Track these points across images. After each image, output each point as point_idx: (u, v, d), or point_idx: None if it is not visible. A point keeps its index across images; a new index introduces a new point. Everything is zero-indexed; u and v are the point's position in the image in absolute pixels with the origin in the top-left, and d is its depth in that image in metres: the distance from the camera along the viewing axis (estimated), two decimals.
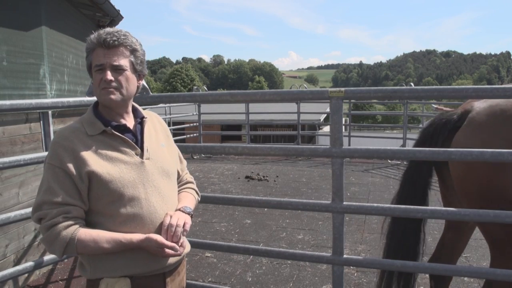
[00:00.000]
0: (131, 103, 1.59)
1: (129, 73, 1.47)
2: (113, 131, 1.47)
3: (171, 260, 1.52)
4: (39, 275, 3.47)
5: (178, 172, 1.72)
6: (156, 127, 1.65)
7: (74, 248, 1.35)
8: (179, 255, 1.46)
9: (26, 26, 3.50)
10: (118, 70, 1.44)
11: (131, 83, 1.49)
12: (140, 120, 1.58)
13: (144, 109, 1.70)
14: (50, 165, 1.40)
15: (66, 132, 1.45)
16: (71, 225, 1.37)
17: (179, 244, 1.46)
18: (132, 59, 1.48)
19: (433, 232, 4.28)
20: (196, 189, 1.80)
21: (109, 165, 1.43)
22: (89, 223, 1.44)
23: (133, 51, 1.49)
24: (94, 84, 1.47)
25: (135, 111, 1.60)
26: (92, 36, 1.46)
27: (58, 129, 1.49)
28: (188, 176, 1.80)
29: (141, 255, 1.43)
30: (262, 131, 18.72)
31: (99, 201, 1.42)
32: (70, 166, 1.38)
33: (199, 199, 1.83)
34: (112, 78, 1.43)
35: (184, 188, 1.73)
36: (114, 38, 1.43)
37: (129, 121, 1.55)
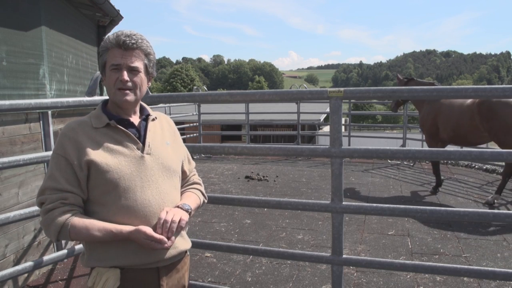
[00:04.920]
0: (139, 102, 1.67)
1: (143, 75, 1.56)
2: (116, 124, 1.54)
3: (166, 254, 1.54)
4: (38, 275, 3.47)
5: (185, 172, 1.78)
6: (164, 126, 1.71)
7: (67, 233, 1.42)
8: (168, 248, 1.48)
9: (26, 26, 3.50)
10: (133, 71, 1.52)
11: (144, 84, 1.58)
12: (145, 117, 1.64)
13: (159, 108, 1.74)
14: (55, 154, 1.50)
15: (73, 124, 1.54)
16: (67, 211, 1.44)
17: (171, 239, 1.47)
18: (146, 62, 1.57)
19: (432, 232, 4.28)
20: (203, 190, 1.83)
21: (109, 156, 1.49)
22: (87, 212, 1.51)
23: (148, 54, 1.57)
24: (108, 82, 1.53)
25: (142, 109, 1.67)
26: (110, 36, 1.52)
27: (64, 125, 1.57)
28: (195, 178, 1.85)
29: (132, 247, 1.47)
30: (262, 131, 18.73)
31: (96, 190, 1.48)
32: (72, 155, 1.46)
33: (206, 201, 1.86)
34: (128, 79, 1.51)
35: (189, 188, 1.77)
36: (133, 41, 1.51)
37: (135, 118, 1.62)
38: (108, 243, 1.45)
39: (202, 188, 1.84)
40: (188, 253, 1.72)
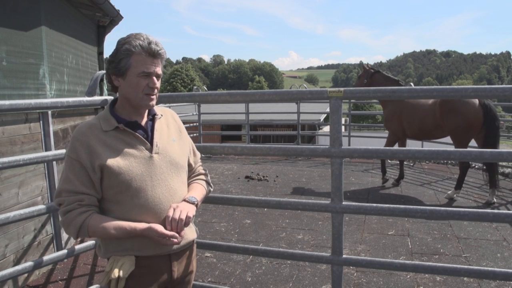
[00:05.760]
0: None
1: (160, 79, 1.68)
2: (124, 127, 1.61)
3: (176, 245, 1.64)
4: (38, 275, 3.47)
5: (191, 165, 1.86)
6: (169, 123, 1.79)
7: (86, 231, 1.53)
8: (178, 243, 1.59)
9: (26, 26, 3.49)
10: (157, 77, 1.63)
11: None
12: (151, 117, 1.72)
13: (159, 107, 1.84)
14: (68, 158, 1.58)
15: (84, 128, 1.61)
16: (84, 211, 1.53)
17: (181, 234, 1.57)
18: (163, 68, 1.68)
19: (432, 232, 4.28)
20: (208, 180, 1.93)
21: (120, 158, 1.57)
22: (102, 210, 1.61)
23: (163, 60, 1.67)
24: (135, 87, 1.58)
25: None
26: (139, 42, 1.55)
27: (76, 128, 1.64)
28: (201, 169, 1.94)
29: (146, 240, 1.57)
30: (262, 131, 18.73)
31: (110, 190, 1.57)
32: (85, 159, 1.54)
33: (212, 189, 1.96)
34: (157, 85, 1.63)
35: (195, 180, 1.86)
36: (161, 51, 1.60)
37: (144, 118, 1.70)
38: (124, 238, 1.56)
39: (208, 178, 1.93)
40: (195, 241, 1.83)
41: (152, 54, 1.57)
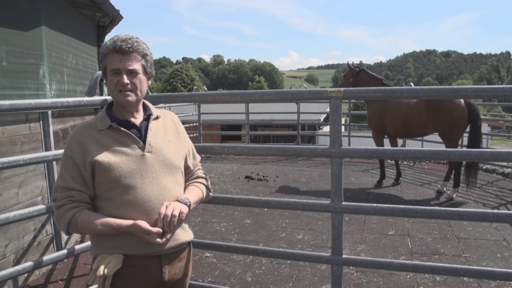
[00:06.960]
0: (142, 101, 1.75)
1: (141, 75, 1.66)
2: (117, 126, 1.64)
3: (167, 246, 1.63)
4: (38, 275, 3.47)
5: (189, 167, 1.87)
6: (167, 124, 1.79)
7: (75, 227, 1.56)
8: (164, 243, 1.58)
9: (26, 26, 3.50)
10: (132, 73, 1.62)
11: (144, 84, 1.68)
12: (146, 117, 1.73)
13: (159, 107, 1.80)
14: (64, 155, 1.63)
15: (80, 127, 1.67)
16: (74, 207, 1.57)
17: (172, 232, 1.57)
18: (144, 63, 1.66)
19: (432, 232, 4.28)
20: (207, 184, 1.92)
21: (111, 156, 1.59)
22: (95, 207, 1.64)
23: (144, 55, 1.66)
24: (110, 86, 1.64)
25: (145, 109, 1.77)
26: (107, 43, 1.62)
27: (78, 123, 1.66)
28: (200, 172, 1.93)
29: (135, 239, 1.56)
30: (262, 131, 18.73)
31: (100, 187, 1.60)
32: (78, 156, 1.59)
33: (211, 194, 1.96)
34: (128, 81, 1.61)
35: (192, 182, 1.86)
36: (129, 45, 1.60)
37: (138, 118, 1.72)
38: (111, 235, 1.56)
39: (208, 182, 1.92)
40: (190, 244, 1.83)
41: (117, 51, 1.59)
